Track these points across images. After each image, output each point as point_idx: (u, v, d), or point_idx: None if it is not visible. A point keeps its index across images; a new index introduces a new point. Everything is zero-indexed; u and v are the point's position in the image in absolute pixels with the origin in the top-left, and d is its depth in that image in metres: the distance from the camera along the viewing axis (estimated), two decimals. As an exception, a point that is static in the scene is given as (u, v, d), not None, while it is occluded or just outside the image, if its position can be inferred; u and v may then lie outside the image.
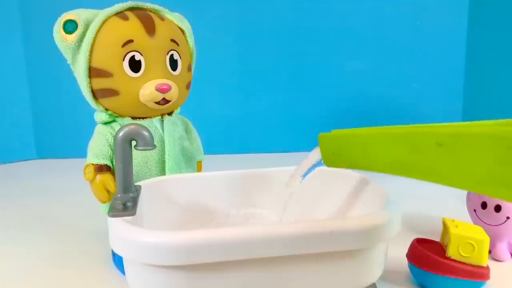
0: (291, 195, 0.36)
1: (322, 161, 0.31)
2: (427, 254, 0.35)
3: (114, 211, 0.29)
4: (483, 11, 0.91)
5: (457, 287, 0.34)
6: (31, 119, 0.92)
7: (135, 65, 0.39)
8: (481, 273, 0.34)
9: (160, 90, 0.38)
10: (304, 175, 0.34)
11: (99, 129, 0.41)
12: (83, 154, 0.41)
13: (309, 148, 0.33)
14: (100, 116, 0.41)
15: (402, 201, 0.31)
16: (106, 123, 0.41)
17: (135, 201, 0.32)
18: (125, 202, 0.31)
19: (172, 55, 0.41)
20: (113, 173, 0.40)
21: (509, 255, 0.42)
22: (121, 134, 0.31)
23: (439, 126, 0.22)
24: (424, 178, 0.23)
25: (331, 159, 0.30)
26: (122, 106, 0.40)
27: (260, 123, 0.97)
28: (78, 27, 0.39)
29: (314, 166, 0.33)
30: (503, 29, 0.84)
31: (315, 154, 0.32)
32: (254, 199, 0.40)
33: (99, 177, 0.39)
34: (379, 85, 0.96)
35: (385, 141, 0.25)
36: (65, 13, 0.39)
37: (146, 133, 0.31)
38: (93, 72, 0.39)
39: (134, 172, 0.38)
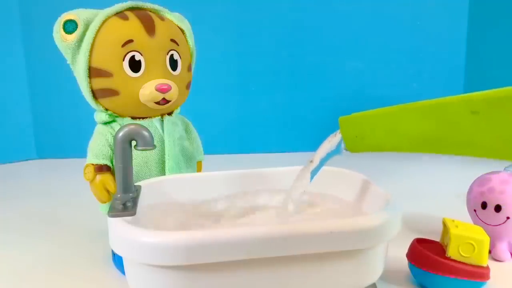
0: (292, 195, 0.36)
1: (338, 149, 0.29)
2: (427, 254, 0.35)
3: (114, 211, 0.29)
4: (483, 11, 0.91)
5: (457, 287, 0.34)
6: (31, 119, 0.92)
7: (135, 65, 0.39)
8: (481, 273, 0.34)
9: (160, 90, 0.38)
10: (313, 174, 0.32)
11: (99, 129, 0.41)
12: (83, 154, 0.41)
13: (308, 148, 0.32)
14: (100, 116, 0.41)
15: (402, 201, 0.31)
16: (106, 123, 0.41)
17: (135, 201, 0.32)
18: (125, 202, 0.31)
19: (172, 55, 0.41)
20: (113, 173, 0.40)
21: (509, 255, 0.42)
22: (121, 134, 0.31)
23: (469, 95, 0.20)
24: (460, 151, 0.21)
25: (354, 144, 0.28)
26: (122, 106, 0.40)
27: (260, 123, 0.97)
28: (78, 27, 0.39)
29: (329, 155, 0.30)
30: (503, 29, 0.84)
31: (329, 143, 0.30)
32: (254, 199, 0.40)
33: (99, 177, 0.39)
34: (379, 85, 0.96)
35: (413, 116, 0.23)
36: (65, 13, 0.39)
37: (146, 133, 0.31)
38: (93, 72, 0.39)
39: (134, 172, 0.38)
